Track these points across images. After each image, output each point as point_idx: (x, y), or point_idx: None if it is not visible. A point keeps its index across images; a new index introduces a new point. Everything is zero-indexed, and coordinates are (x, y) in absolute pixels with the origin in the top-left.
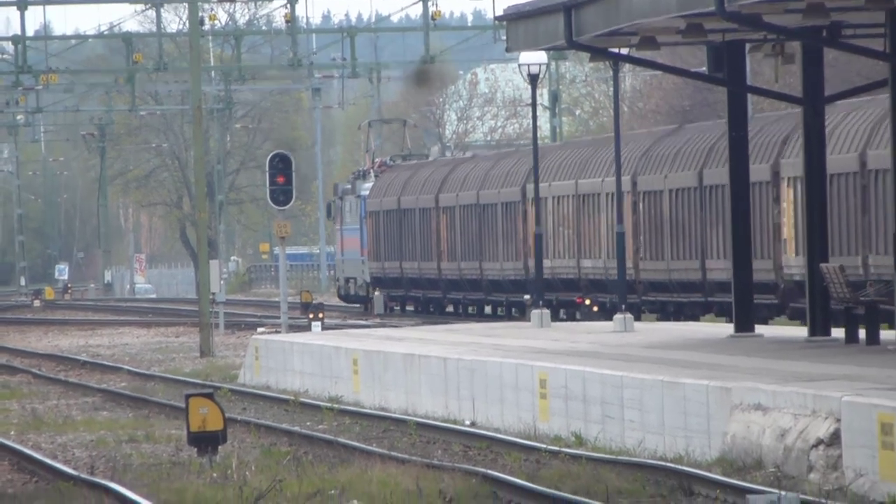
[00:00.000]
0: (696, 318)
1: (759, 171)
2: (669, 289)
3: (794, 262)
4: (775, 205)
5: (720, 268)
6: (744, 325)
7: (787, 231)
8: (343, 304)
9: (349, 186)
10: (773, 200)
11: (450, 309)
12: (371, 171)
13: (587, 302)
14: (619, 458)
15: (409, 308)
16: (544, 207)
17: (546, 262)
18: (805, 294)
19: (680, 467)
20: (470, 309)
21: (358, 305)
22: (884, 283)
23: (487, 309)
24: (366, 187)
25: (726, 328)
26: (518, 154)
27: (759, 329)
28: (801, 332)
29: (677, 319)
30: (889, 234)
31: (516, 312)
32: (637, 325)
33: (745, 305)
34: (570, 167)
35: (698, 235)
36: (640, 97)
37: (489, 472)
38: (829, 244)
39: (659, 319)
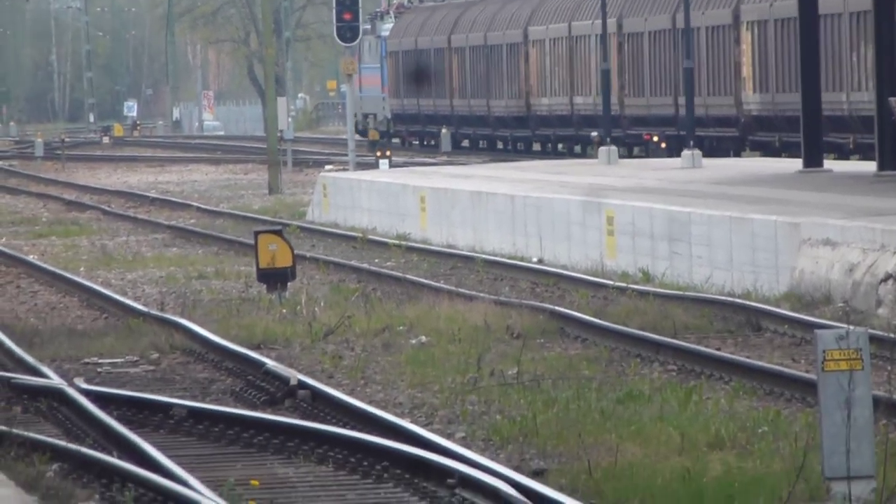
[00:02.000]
0: (673, 149)
1: (720, 15)
2: (649, 122)
3: (752, 99)
4: (736, 46)
5: (695, 104)
6: (812, 160)
7: (746, 70)
8: (359, 137)
9: (368, 27)
10: (734, 42)
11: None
12: (391, 12)
13: (655, 139)
14: (687, 293)
15: (431, 143)
16: (541, 49)
17: (543, 100)
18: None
19: (748, 303)
20: (489, 144)
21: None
22: None
23: (499, 144)
24: (386, 28)
25: (794, 163)
26: None
27: (828, 164)
28: (870, 167)
29: (656, 154)
30: None
31: (519, 146)
32: (705, 161)
33: (814, 140)
34: (565, 11)
35: (672, 74)
36: None
37: (557, 308)
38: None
39: (641, 153)
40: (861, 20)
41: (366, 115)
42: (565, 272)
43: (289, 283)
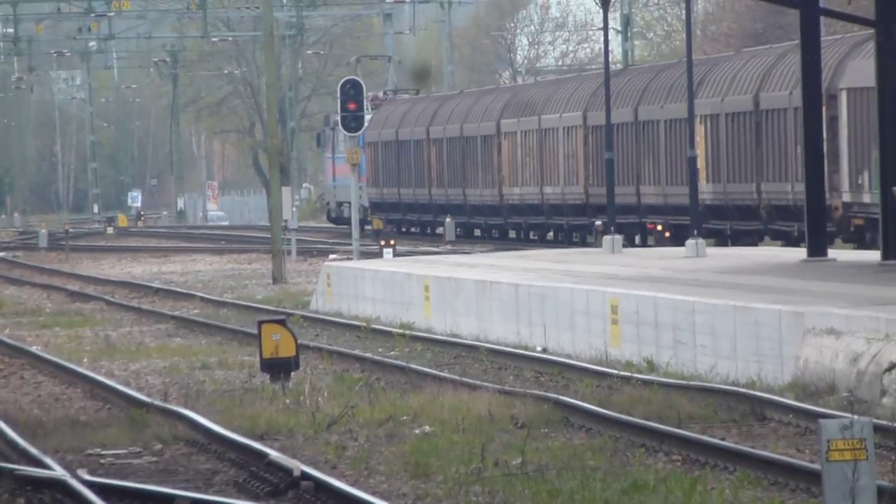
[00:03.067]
0: (632, 238)
1: (678, 109)
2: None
3: (705, 188)
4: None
5: (651, 192)
6: (816, 249)
7: (701, 161)
8: (333, 226)
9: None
10: (686, 136)
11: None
12: (369, 103)
13: (659, 227)
14: (691, 383)
15: (414, 230)
16: (513, 140)
17: (515, 190)
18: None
19: (752, 392)
20: (466, 231)
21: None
22: None
23: (477, 232)
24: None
25: (799, 253)
26: (496, 91)
27: (832, 253)
28: (874, 256)
29: (631, 239)
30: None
31: (494, 233)
32: (709, 250)
33: (818, 230)
34: (535, 105)
35: (634, 165)
36: (712, 20)
37: (561, 397)
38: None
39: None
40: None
41: (339, 203)
42: (569, 361)
43: (292, 373)
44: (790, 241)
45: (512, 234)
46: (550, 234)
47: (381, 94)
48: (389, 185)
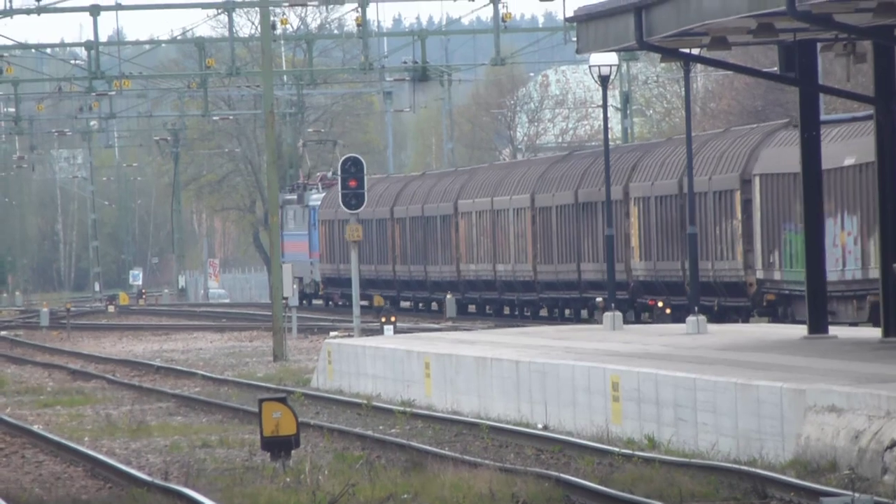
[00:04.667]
0: (577, 312)
1: (615, 191)
2: (557, 287)
3: (639, 266)
4: (626, 218)
5: (591, 269)
6: (817, 326)
7: (634, 240)
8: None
9: (293, 197)
10: (624, 215)
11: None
12: (318, 184)
13: (660, 304)
14: (693, 461)
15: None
16: (468, 220)
17: (471, 266)
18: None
19: (754, 470)
20: (427, 305)
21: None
22: None
23: (434, 305)
24: (315, 198)
25: (800, 330)
26: (455, 174)
27: (833, 330)
28: (874, 333)
29: (562, 313)
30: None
31: (441, 308)
32: (710, 327)
33: (819, 307)
34: (488, 187)
35: (575, 243)
36: (711, 97)
37: (562, 475)
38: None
39: (550, 313)
40: (722, 198)
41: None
42: (571, 438)
43: (293, 451)
44: (712, 315)
45: (472, 308)
46: (507, 309)
47: (329, 175)
48: (348, 261)
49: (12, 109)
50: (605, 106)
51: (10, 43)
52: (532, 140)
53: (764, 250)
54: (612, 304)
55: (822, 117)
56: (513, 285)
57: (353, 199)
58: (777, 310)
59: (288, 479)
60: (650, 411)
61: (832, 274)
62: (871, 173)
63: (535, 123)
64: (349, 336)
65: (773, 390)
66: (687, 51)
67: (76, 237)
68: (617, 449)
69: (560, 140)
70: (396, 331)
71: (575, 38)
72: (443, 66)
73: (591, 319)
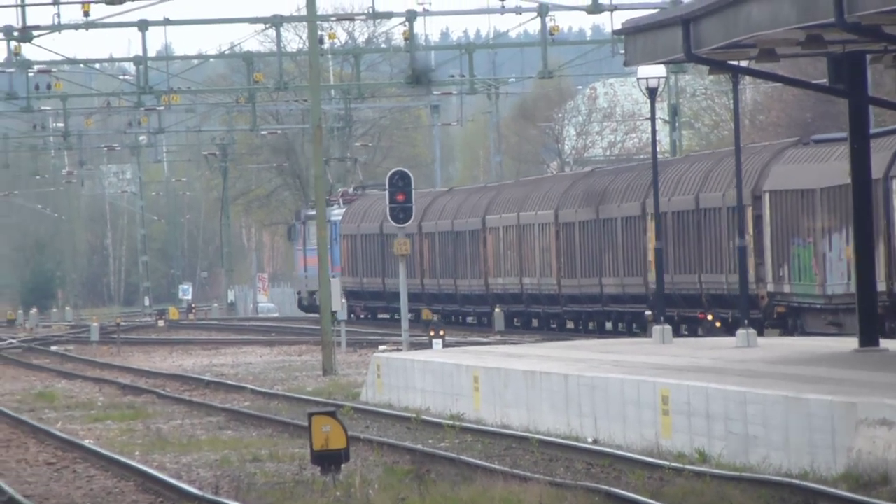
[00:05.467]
0: (601, 324)
1: (632, 207)
2: (580, 301)
3: (654, 279)
4: (643, 234)
5: (612, 283)
6: (868, 339)
7: (651, 254)
8: (304, 314)
9: (314, 212)
10: (642, 231)
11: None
12: (339, 199)
13: (709, 317)
14: (743, 474)
15: (396, 317)
16: (496, 235)
17: (499, 280)
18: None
19: (805, 483)
20: (457, 318)
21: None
22: None
23: (470, 319)
24: (336, 213)
25: (850, 343)
26: (482, 190)
27: (884, 343)
28: None
29: (586, 326)
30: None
31: (483, 320)
32: (760, 340)
33: (870, 320)
34: (515, 202)
35: (597, 258)
36: (760, 110)
37: (613, 489)
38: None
39: (576, 327)
40: (735, 214)
41: (311, 293)
42: (620, 452)
43: (343, 465)
44: (727, 326)
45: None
46: (535, 322)
47: (350, 191)
48: (372, 275)
49: (61, 124)
50: (653, 118)
51: (58, 58)
52: (580, 153)
53: (774, 264)
54: (662, 318)
55: (824, 136)
56: (538, 298)
57: (401, 212)
58: (787, 322)
59: (338, 493)
60: (700, 425)
61: (839, 287)
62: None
63: (583, 136)
64: (398, 350)
65: (824, 404)
66: (735, 63)
67: (125, 252)
68: (667, 463)
69: (608, 153)
70: (445, 345)
71: (623, 51)
72: (490, 80)
73: (615, 332)
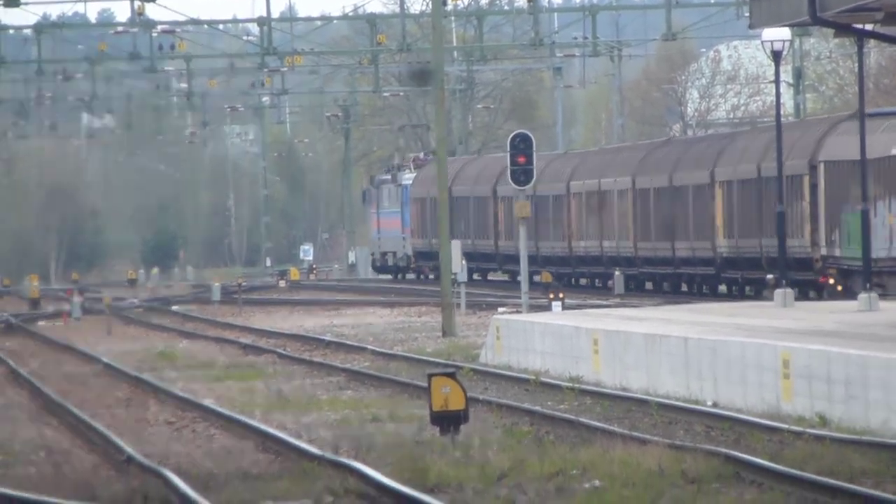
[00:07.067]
0: (676, 286)
1: (700, 176)
2: (654, 263)
3: (723, 243)
4: (711, 202)
5: (684, 247)
6: None
7: (719, 219)
8: (376, 274)
9: (387, 177)
10: (710, 198)
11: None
12: (411, 164)
13: (831, 281)
14: (864, 438)
15: (478, 277)
16: (579, 200)
17: (581, 243)
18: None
19: None
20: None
21: (390, 276)
22: None
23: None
24: (407, 177)
25: None
26: (566, 157)
27: None
28: None
29: (659, 286)
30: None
31: (597, 282)
32: (882, 304)
33: None
34: (595, 169)
35: (670, 223)
36: (885, 73)
37: (732, 452)
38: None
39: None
40: (793, 182)
41: (384, 254)
42: (740, 416)
43: (462, 426)
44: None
45: (583, 281)
46: (598, 281)
47: (421, 156)
48: (437, 236)
49: (185, 85)
50: (777, 81)
51: (182, 18)
52: (703, 116)
53: (827, 229)
54: (784, 282)
55: (877, 110)
56: (617, 260)
57: (522, 175)
58: (837, 283)
59: (457, 454)
60: (821, 388)
61: (881, 251)
62: None
63: (706, 99)
64: (517, 312)
65: None
66: (860, 26)
67: (247, 213)
68: (787, 426)
69: (731, 116)
70: (564, 307)
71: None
72: (613, 42)
73: (730, 296)
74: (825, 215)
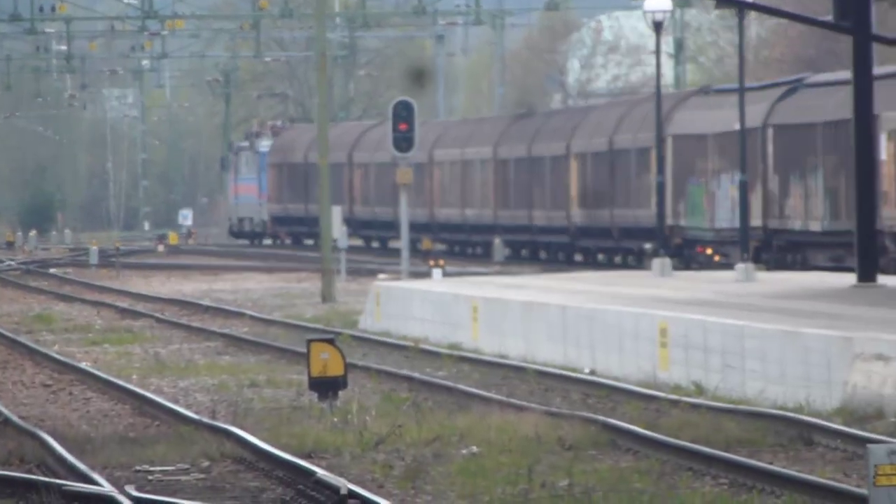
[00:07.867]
0: (610, 258)
1: (557, 147)
2: (513, 230)
3: (577, 213)
4: (567, 173)
5: (541, 216)
6: (866, 274)
7: (573, 190)
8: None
9: (245, 144)
10: (565, 170)
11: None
12: (268, 131)
13: (708, 251)
14: (739, 407)
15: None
16: (442, 169)
17: (443, 211)
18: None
19: (800, 417)
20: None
21: (247, 242)
22: None
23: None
24: (265, 144)
25: (849, 278)
26: (430, 125)
27: (882, 279)
28: None
29: (595, 259)
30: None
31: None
32: (759, 274)
33: (869, 255)
34: (459, 139)
35: (529, 193)
36: (765, 45)
37: (609, 420)
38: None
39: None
40: (642, 155)
41: (241, 219)
42: (617, 384)
43: (340, 392)
44: (635, 255)
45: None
46: (470, 250)
47: (278, 124)
48: (296, 202)
49: (64, 47)
50: (658, 52)
51: None
52: (584, 86)
53: (673, 201)
54: (661, 251)
55: (723, 86)
56: (478, 228)
57: (404, 142)
58: (683, 252)
59: (335, 420)
60: (698, 358)
61: (723, 221)
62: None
63: (588, 69)
64: (397, 279)
65: (821, 338)
66: None
67: (126, 176)
68: (663, 394)
69: (612, 86)
70: (444, 274)
71: None
72: (496, 11)
73: (624, 265)
74: (672, 187)
